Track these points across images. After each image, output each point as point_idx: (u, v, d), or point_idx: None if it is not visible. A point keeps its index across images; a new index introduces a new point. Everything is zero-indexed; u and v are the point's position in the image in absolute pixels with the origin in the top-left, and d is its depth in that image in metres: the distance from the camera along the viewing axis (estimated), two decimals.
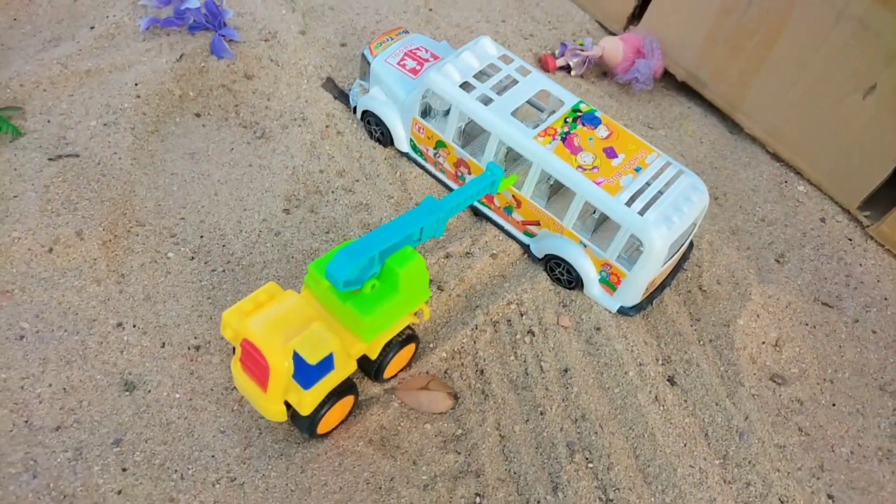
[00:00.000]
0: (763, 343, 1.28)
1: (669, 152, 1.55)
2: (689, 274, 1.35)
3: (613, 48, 1.62)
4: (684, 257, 1.33)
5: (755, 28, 1.47)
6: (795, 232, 1.44)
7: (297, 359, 0.96)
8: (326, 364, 0.97)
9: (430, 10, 1.76)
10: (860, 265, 1.40)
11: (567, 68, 1.65)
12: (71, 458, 1.02)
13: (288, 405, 1.01)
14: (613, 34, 1.72)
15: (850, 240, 1.44)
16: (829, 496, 1.10)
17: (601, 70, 1.69)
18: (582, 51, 1.63)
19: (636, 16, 1.68)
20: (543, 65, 1.65)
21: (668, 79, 1.68)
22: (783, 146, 1.52)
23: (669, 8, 1.60)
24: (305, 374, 0.97)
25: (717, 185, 1.52)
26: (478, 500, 1.04)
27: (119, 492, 0.99)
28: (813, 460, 1.14)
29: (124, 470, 1.01)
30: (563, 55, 1.64)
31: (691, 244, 1.35)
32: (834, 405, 1.23)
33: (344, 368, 1.02)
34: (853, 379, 1.25)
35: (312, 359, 0.93)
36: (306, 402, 0.98)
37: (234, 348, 1.06)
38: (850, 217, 1.47)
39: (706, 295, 1.32)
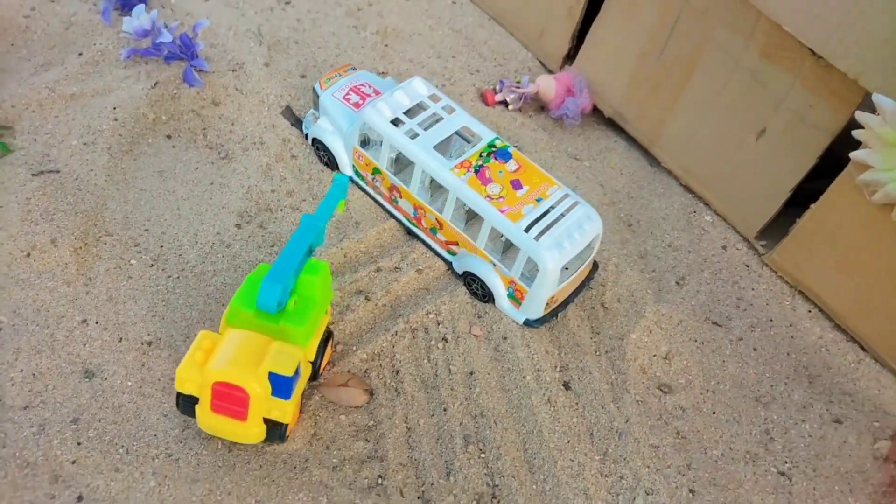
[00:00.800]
0: (654, 356, 1.44)
1: (592, 182, 1.72)
2: (594, 292, 1.51)
3: (547, 86, 1.79)
4: (588, 277, 1.49)
5: (668, 73, 1.63)
6: (697, 257, 1.61)
7: (272, 377, 1.10)
8: (296, 373, 1.12)
9: (386, 45, 1.94)
10: (752, 289, 1.56)
11: (505, 103, 1.82)
12: (35, 433, 1.19)
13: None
14: (551, 72, 1.89)
15: (748, 266, 1.60)
16: (691, 490, 1.25)
17: (539, 104, 1.86)
18: (518, 87, 1.80)
19: (570, 56, 1.86)
20: (484, 99, 1.82)
21: (598, 114, 1.85)
22: (693, 180, 1.69)
23: (598, 51, 1.77)
24: (283, 388, 1.11)
25: (631, 213, 1.68)
26: (380, 480, 1.21)
27: (73, 462, 1.17)
28: (683, 460, 1.30)
29: (79, 444, 1.19)
30: (501, 91, 1.81)
31: (595, 265, 1.51)
32: (714, 413, 1.38)
33: (305, 373, 1.18)
34: (733, 390, 1.41)
35: (289, 371, 1.08)
36: (289, 410, 1.12)
37: (186, 403, 1.16)
38: (748, 245, 1.63)
39: (607, 311, 1.49)
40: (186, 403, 1.16)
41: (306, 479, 1.19)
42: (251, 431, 1.14)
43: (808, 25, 1.31)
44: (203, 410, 1.13)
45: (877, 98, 1.20)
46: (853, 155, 1.29)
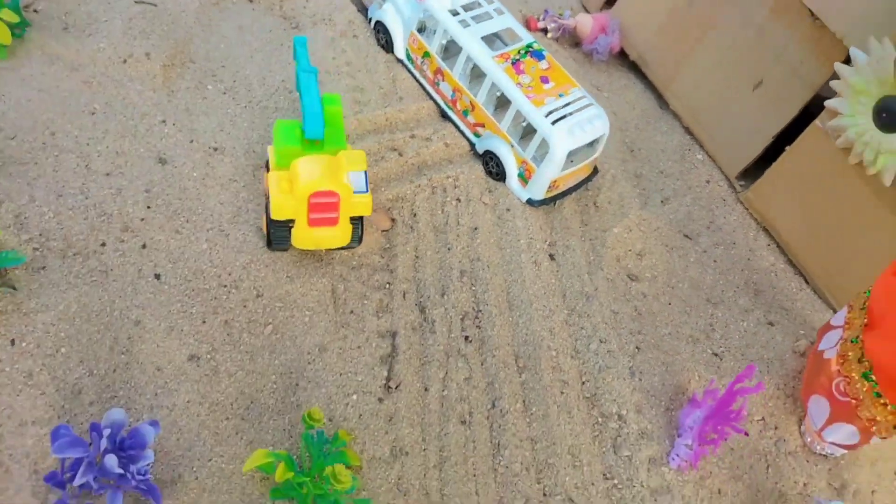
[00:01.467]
0: (629, 251, 1.68)
1: (606, 109, 1.93)
2: (590, 193, 1.76)
3: (584, 22, 2.03)
4: (588, 178, 1.74)
5: (691, 25, 1.87)
6: (683, 185, 1.85)
7: (351, 177, 1.31)
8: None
9: None
10: (724, 218, 1.81)
11: (545, 31, 2.06)
12: (114, 193, 1.44)
13: None
14: (590, 13, 2.13)
15: (724, 199, 1.85)
16: (637, 347, 1.50)
17: (574, 40, 2.10)
18: (559, 18, 2.04)
19: (610, 2, 2.10)
20: (527, 24, 2.06)
21: (624, 57, 2.09)
22: (694, 122, 1.93)
23: (634, 1, 2.02)
24: (358, 185, 1.34)
25: (635, 141, 1.93)
26: (388, 285, 1.46)
27: (142, 219, 1.42)
28: (636, 326, 1.54)
29: (148, 207, 1.44)
30: (544, 19, 2.05)
31: (596, 169, 1.76)
32: (669, 304, 1.63)
33: None
34: (689, 290, 1.66)
35: (363, 166, 1.32)
36: (369, 202, 1.34)
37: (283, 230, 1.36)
38: (728, 183, 1.87)
39: (597, 209, 1.74)
40: (279, 232, 1.35)
41: (329, 270, 1.44)
42: (341, 234, 1.36)
43: None
44: (300, 229, 1.33)
45: (853, 51, 1.44)
46: (827, 103, 1.53)
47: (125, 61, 1.65)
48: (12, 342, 1.23)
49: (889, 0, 1.44)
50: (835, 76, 1.51)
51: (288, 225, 1.35)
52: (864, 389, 1.24)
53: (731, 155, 1.85)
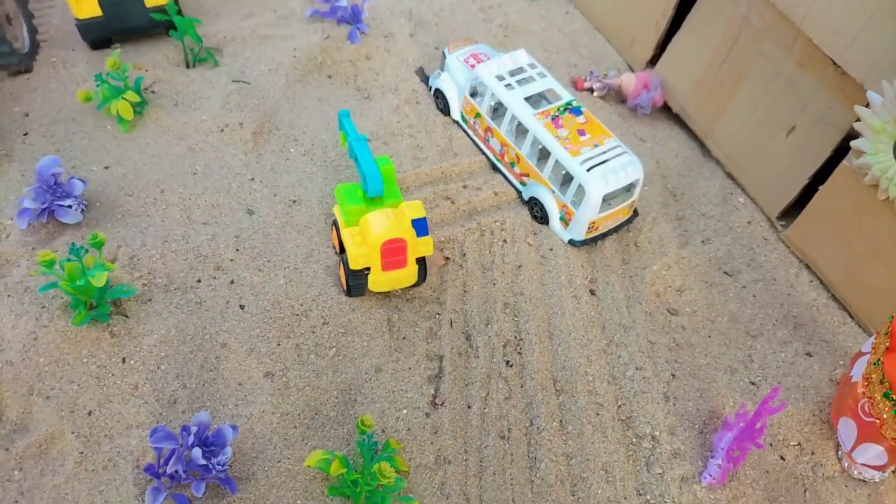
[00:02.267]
0: (669, 287, 1.79)
1: (649, 158, 2.10)
2: (631, 234, 1.89)
3: (628, 80, 2.20)
4: (628, 220, 1.87)
5: (725, 79, 2.01)
6: (724, 226, 1.94)
7: (414, 223, 1.54)
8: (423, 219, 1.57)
9: (506, 36, 2.42)
10: (765, 256, 1.88)
11: (591, 90, 2.24)
12: (209, 239, 1.71)
13: None
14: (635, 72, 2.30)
15: (766, 239, 1.92)
16: (673, 374, 1.59)
17: (620, 98, 2.27)
18: (605, 79, 2.22)
19: (653, 61, 2.26)
20: (574, 84, 2.25)
21: (667, 110, 2.23)
22: (734, 167, 2.03)
23: (675, 58, 2.17)
24: (422, 228, 1.55)
25: (677, 186, 2.04)
26: (437, 316, 1.63)
27: (231, 259, 1.67)
28: (672, 356, 1.64)
29: (237, 250, 1.69)
30: (590, 80, 2.24)
31: (636, 212, 1.89)
32: (709, 336, 1.71)
33: None
34: (729, 323, 1.73)
35: (423, 213, 1.54)
36: (431, 243, 1.57)
37: (361, 278, 1.56)
38: (770, 224, 1.95)
39: (638, 249, 1.86)
40: (358, 280, 1.56)
41: (386, 303, 1.63)
42: (409, 273, 1.57)
43: (831, 40, 1.67)
44: (375, 275, 1.54)
45: (870, 94, 1.53)
46: (853, 143, 1.62)
47: (222, 130, 1.95)
48: (123, 360, 1.48)
49: None
50: (859, 118, 1.60)
51: (365, 273, 1.56)
52: (886, 409, 1.28)
53: (770, 196, 1.94)
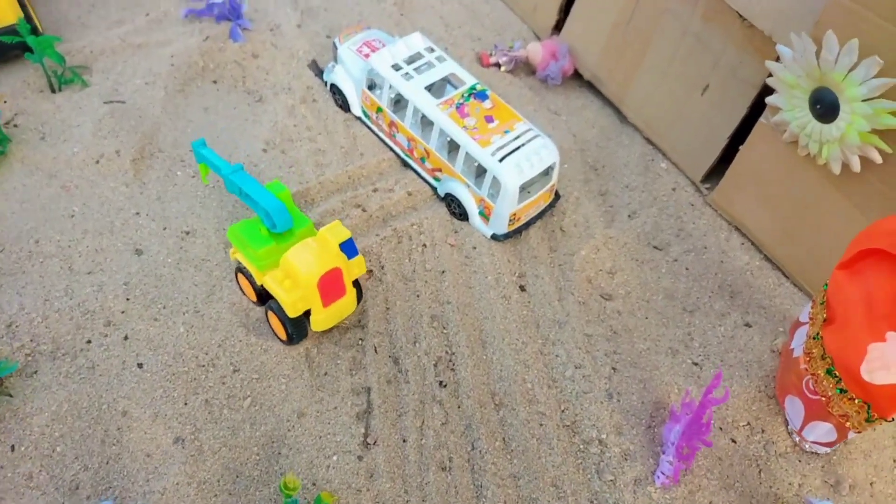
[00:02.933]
0: (600, 270, 1.71)
1: (566, 132, 1.99)
2: (555, 218, 1.79)
3: (534, 51, 2.07)
4: (550, 204, 1.77)
5: (633, 40, 1.90)
6: (649, 196, 1.87)
7: (342, 247, 1.39)
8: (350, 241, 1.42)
9: (402, 14, 2.25)
10: (693, 223, 1.81)
11: (498, 65, 2.11)
12: (95, 290, 1.53)
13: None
14: (542, 40, 2.17)
15: (692, 204, 1.85)
16: (613, 368, 1.52)
17: (529, 68, 2.15)
18: (510, 52, 2.09)
19: (558, 27, 2.14)
20: (480, 61, 2.12)
21: (578, 77, 2.12)
22: (653, 132, 1.95)
23: (579, 23, 2.05)
24: (350, 249, 1.42)
25: (598, 159, 1.95)
26: (360, 341, 1.51)
27: (122, 311, 1.50)
28: (611, 347, 1.56)
29: (128, 299, 1.52)
30: (495, 54, 2.10)
31: (557, 195, 1.79)
32: (646, 318, 1.64)
33: None
34: (664, 301, 1.67)
35: (347, 234, 1.38)
36: (363, 262, 1.45)
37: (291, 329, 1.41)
38: (695, 188, 1.88)
39: (564, 233, 1.76)
40: (299, 325, 1.42)
41: (301, 343, 1.50)
42: (350, 300, 1.43)
43: None
44: (317, 314, 1.40)
45: (779, 48, 1.45)
46: (768, 100, 1.54)
47: (98, 161, 1.75)
48: (12, 448, 1.31)
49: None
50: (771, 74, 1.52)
51: (305, 316, 1.43)
52: (831, 386, 1.23)
53: (692, 160, 1.86)
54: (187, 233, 1.66)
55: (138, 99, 1.92)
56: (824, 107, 1.39)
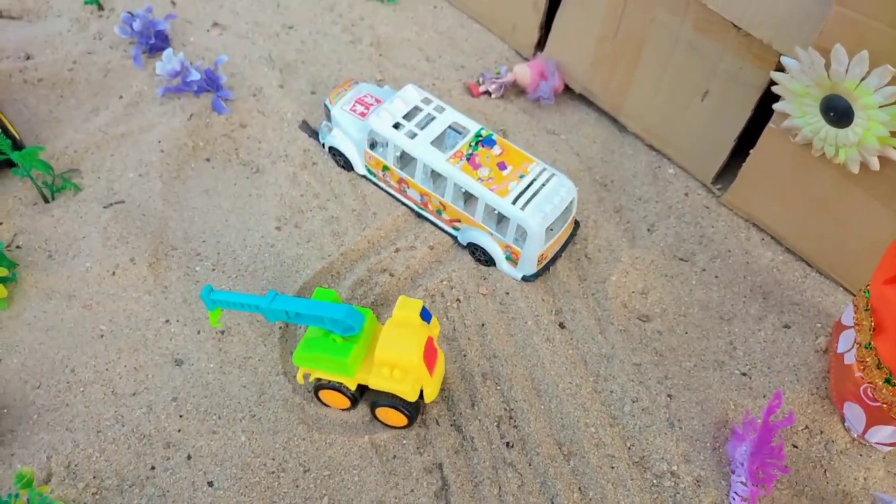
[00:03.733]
0: (632, 292, 1.73)
1: (568, 152, 1.99)
2: (578, 246, 1.80)
3: (522, 73, 2.06)
4: (572, 234, 1.78)
5: (623, 50, 1.89)
6: (664, 206, 1.88)
7: (422, 316, 1.40)
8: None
9: (380, 55, 2.21)
10: (712, 227, 1.84)
11: (489, 93, 2.09)
12: (145, 412, 1.52)
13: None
14: (526, 60, 2.15)
15: (707, 207, 1.87)
16: (669, 395, 1.55)
17: (518, 90, 2.13)
18: (498, 78, 2.07)
19: (541, 44, 2.12)
20: (470, 92, 2.10)
21: (570, 91, 2.12)
22: (655, 139, 1.95)
23: (563, 37, 2.04)
24: (427, 315, 1.43)
25: (605, 175, 1.96)
26: (420, 417, 1.52)
27: (179, 430, 1.49)
28: (661, 372, 1.59)
29: (181, 416, 1.51)
30: (483, 83, 2.08)
31: (577, 223, 1.80)
32: (686, 333, 1.67)
33: None
34: (700, 313, 1.70)
35: (419, 303, 1.40)
36: (437, 322, 1.46)
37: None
38: (707, 190, 1.90)
39: (590, 261, 1.78)
40: (417, 408, 1.44)
41: (363, 423, 1.50)
42: (442, 360, 1.48)
43: (727, 3, 1.57)
44: (427, 387, 1.42)
45: (784, 60, 1.46)
46: (775, 107, 1.55)
47: (114, 273, 1.72)
48: None
49: (804, 5, 1.45)
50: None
51: (418, 405, 1.45)
52: (891, 394, 1.27)
53: (700, 162, 1.88)
54: (222, 332, 1.64)
55: (136, 195, 1.88)
56: (838, 114, 1.40)
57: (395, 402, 1.41)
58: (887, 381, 1.27)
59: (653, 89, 1.88)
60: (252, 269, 1.75)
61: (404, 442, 1.48)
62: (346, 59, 2.20)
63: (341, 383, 1.44)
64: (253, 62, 2.18)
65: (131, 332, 1.64)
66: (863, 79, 1.32)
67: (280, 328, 1.64)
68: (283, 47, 2.23)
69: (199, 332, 1.64)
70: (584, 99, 2.10)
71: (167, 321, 1.66)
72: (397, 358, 1.36)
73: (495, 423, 1.51)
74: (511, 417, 1.52)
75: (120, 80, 2.17)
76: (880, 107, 1.32)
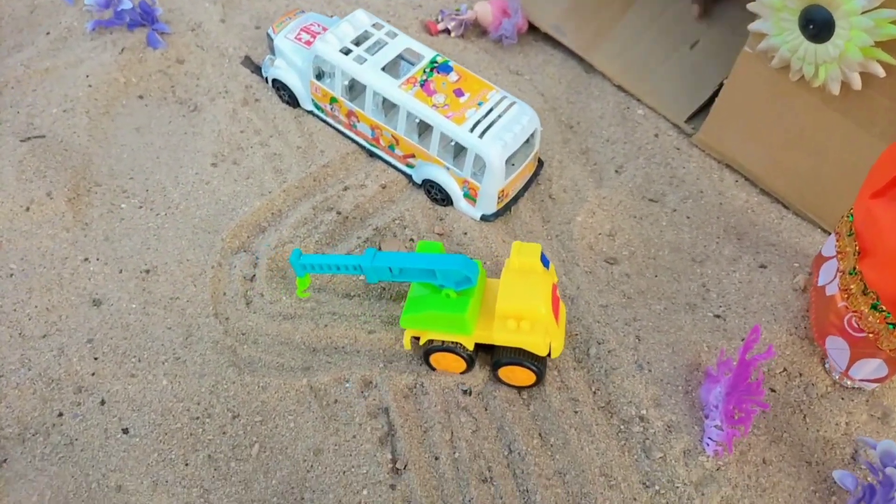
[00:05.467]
0: (599, 234, 1.60)
1: (533, 92, 1.87)
2: (542, 187, 1.67)
3: (484, 11, 1.93)
4: (535, 173, 1.65)
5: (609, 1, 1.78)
6: (633, 147, 1.76)
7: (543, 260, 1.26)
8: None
9: None
10: (683, 168, 1.72)
11: (448, 31, 1.96)
12: (56, 355, 1.35)
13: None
14: None
15: (678, 148, 1.76)
16: (637, 337, 1.42)
17: (480, 30, 2.00)
18: (458, 15, 1.94)
19: None
20: (428, 29, 1.96)
21: (534, 32, 1.99)
22: (626, 80, 1.83)
23: None
24: (546, 262, 1.28)
25: (571, 116, 1.84)
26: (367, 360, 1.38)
27: (93, 374, 1.33)
28: (629, 314, 1.46)
29: (96, 359, 1.35)
30: (443, 20, 1.95)
31: (541, 162, 1.67)
32: (656, 276, 1.55)
33: None
34: (671, 255, 1.58)
35: (538, 248, 1.25)
36: (553, 269, 1.32)
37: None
38: (678, 131, 1.79)
39: (554, 201, 1.65)
40: (545, 363, 1.29)
41: (299, 360, 1.35)
42: (563, 307, 1.34)
43: None
44: (555, 339, 1.26)
45: None
46: (751, 27, 1.44)
47: (28, 209, 1.55)
48: None
49: None
50: None
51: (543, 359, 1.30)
52: (878, 322, 1.17)
53: (673, 103, 1.77)
54: (147, 271, 1.48)
55: (59, 130, 1.71)
56: (817, 26, 1.30)
57: (521, 358, 1.25)
58: (874, 307, 1.16)
59: (637, 35, 1.78)
60: (184, 206, 1.58)
61: (347, 385, 1.33)
62: None
63: (457, 343, 1.28)
64: None
65: (45, 270, 1.47)
66: None
67: (213, 267, 1.48)
68: None
69: (120, 272, 1.47)
70: (548, 39, 1.98)
71: (86, 259, 1.49)
72: (523, 309, 1.20)
73: None
74: None
75: (48, 17, 1.99)
76: (863, 13, 1.22)
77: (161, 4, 1.95)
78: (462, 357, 1.30)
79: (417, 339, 1.32)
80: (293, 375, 1.33)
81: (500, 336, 1.24)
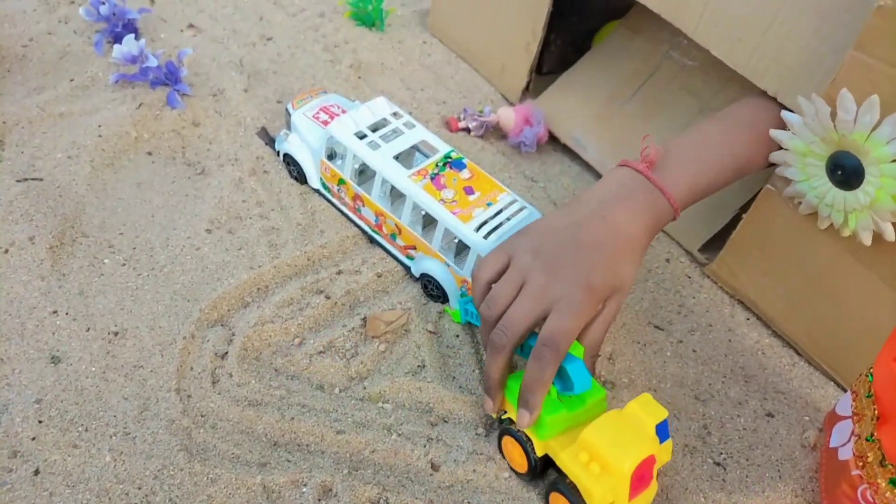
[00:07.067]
0: (598, 356, 1.51)
1: (545, 200, 1.82)
2: None
3: (507, 117, 1.92)
4: None
5: (634, 112, 1.77)
6: (643, 269, 1.70)
7: (658, 429, 1.13)
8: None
9: (359, 77, 2.07)
10: (693, 298, 1.65)
11: (468, 129, 1.94)
12: None
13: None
14: (512, 104, 2.03)
15: (689, 277, 1.69)
16: None
17: (500, 133, 1.99)
18: (480, 116, 1.93)
19: (528, 88, 2.00)
20: (448, 126, 1.95)
21: (554, 143, 1.97)
22: None
23: (567, 91, 1.93)
24: (664, 432, 1.14)
25: None
26: (321, 468, 1.26)
27: (33, 438, 1.21)
28: None
29: (40, 422, 1.23)
30: (464, 119, 1.94)
31: None
32: None
33: None
34: (673, 389, 1.48)
35: (665, 413, 1.13)
36: (670, 447, 1.17)
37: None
38: (691, 258, 1.72)
39: None
40: None
41: (254, 458, 1.23)
42: (652, 491, 1.15)
43: (729, 49, 1.45)
44: (620, 501, 1.09)
45: (785, 115, 1.32)
46: (777, 171, 1.40)
47: (6, 251, 1.48)
48: None
49: (816, 55, 1.33)
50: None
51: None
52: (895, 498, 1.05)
53: (690, 230, 1.71)
54: (115, 333, 1.39)
55: (59, 175, 1.67)
56: (846, 173, 1.25)
57: (573, 496, 1.11)
58: (892, 482, 1.05)
59: None
60: (168, 269, 1.51)
61: (303, 490, 1.20)
62: (322, 75, 2.06)
63: (529, 438, 1.18)
64: (221, 65, 2.03)
65: (9, 318, 1.38)
66: (874, 128, 1.17)
67: (185, 338, 1.39)
68: (256, 56, 2.09)
69: (88, 330, 1.38)
70: (567, 151, 1.96)
71: (55, 312, 1.40)
72: (604, 451, 1.06)
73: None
74: None
75: (75, 65, 2.00)
76: (893, 160, 1.17)
77: (188, 67, 1.96)
78: (527, 455, 1.19)
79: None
80: (247, 471, 1.21)
81: (566, 458, 1.11)
